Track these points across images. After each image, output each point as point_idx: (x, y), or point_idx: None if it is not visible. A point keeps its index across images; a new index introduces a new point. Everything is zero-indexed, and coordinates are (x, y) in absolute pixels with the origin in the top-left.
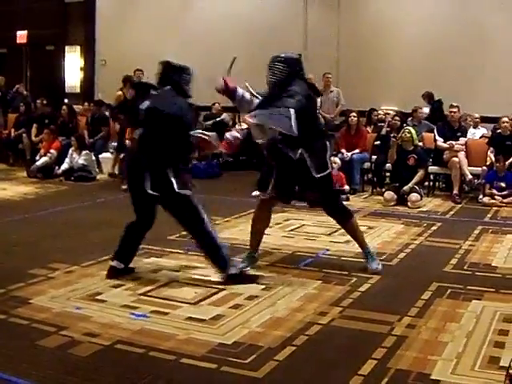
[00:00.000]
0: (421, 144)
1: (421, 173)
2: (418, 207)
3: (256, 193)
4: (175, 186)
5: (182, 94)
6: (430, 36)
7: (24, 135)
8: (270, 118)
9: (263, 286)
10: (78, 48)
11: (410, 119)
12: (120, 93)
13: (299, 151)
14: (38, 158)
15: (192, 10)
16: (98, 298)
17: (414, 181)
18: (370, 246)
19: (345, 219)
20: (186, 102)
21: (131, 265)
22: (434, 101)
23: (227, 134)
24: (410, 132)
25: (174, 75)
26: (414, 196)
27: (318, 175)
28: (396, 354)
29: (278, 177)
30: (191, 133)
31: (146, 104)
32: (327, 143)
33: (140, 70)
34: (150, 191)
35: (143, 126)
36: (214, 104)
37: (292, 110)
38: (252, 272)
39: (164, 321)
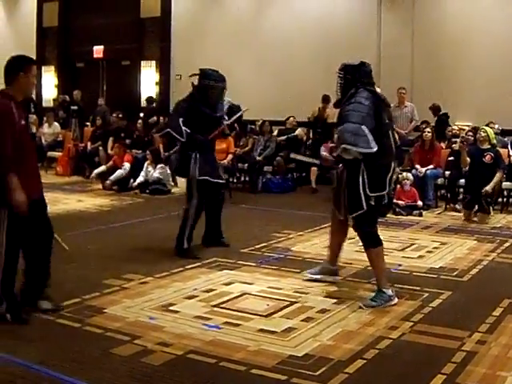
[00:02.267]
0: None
1: (500, 173)
2: (487, 223)
3: None
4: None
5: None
6: (507, 48)
7: (100, 148)
8: (351, 143)
9: (335, 300)
10: (154, 63)
11: None
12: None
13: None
14: (103, 166)
15: (264, 24)
16: (172, 308)
17: (494, 180)
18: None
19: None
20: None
21: None
22: (440, 114)
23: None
24: (485, 131)
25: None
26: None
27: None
28: (465, 369)
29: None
30: None
31: None
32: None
33: None
34: None
35: None
36: (288, 118)
37: (363, 127)
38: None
39: (236, 332)
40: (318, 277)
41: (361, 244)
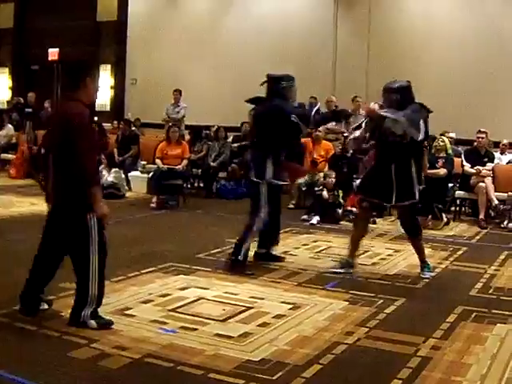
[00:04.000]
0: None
1: (443, 171)
2: (440, 229)
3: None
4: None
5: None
6: (463, 59)
7: None
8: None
9: (291, 306)
10: (109, 67)
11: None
12: None
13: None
14: None
15: (221, 30)
16: (128, 312)
17: (434, 171)
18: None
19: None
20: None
21: None
22: None
23: None
24: (443, 141)
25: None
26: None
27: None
28: (421, 374)
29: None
30: None
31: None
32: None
33: (177, 91)
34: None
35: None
36: (242, 124)
37: (422, 122)
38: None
39: (192, 336)
40: (341, 270)
41: (316, 251)
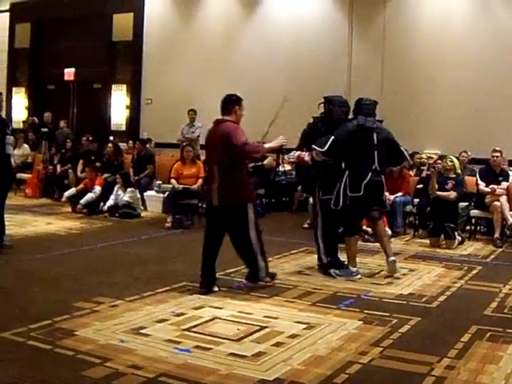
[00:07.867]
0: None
1: (453, 195)
2: (454, 248)
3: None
4: None
5: None
6: (473, 79)
7: (70, 171)
8: None
9: (305, 325)
10: (125, 87)
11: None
12: None
13: None
14: (73, 189)
15: (235, 50)
16: (142, 331)
17: (443, 194)
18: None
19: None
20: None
21: None
22: None
23: None
24: (452, 161)
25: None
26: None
27: None
28: None
29: None
30: None
31: None
32: None
33: (193, 111)
34: None
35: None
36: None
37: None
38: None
39: (207, 356)
40: None
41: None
